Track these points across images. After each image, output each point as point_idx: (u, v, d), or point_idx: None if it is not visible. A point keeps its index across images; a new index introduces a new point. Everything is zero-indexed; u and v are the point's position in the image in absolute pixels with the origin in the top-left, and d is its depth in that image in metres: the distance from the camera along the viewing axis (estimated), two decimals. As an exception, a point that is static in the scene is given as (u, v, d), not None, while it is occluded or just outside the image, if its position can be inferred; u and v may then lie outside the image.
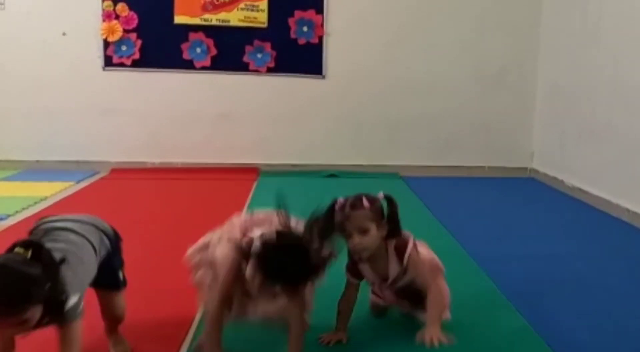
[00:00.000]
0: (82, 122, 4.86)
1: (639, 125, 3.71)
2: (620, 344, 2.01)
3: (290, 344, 1.68)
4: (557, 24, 4.83)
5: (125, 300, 1.78)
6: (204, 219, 3.44)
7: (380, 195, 1.80)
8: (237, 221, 1.82)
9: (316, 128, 5.08)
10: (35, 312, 1.26)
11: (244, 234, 1.72)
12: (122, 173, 4.74)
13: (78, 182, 4.44)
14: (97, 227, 1.63)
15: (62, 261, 1.34)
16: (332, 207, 1.76)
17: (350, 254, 1.81)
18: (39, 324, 1.34)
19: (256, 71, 4.87)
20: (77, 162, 4.94)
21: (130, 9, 4.66)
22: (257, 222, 1.77)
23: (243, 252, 1.62)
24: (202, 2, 4.66)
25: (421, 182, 4.70)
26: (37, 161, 4.87)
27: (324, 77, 4.96)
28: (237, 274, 1.64)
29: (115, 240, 1.66)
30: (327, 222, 1.71)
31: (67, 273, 1.35)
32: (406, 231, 1.84)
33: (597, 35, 4.23)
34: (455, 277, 2.23)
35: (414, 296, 1.86)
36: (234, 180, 4.63)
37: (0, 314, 1.24)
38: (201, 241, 1.86)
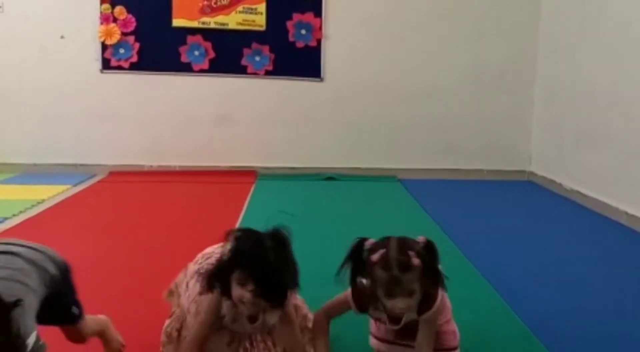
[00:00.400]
0: (79, 125, 4.87)
1: (637, 130, 3.72)
2: (619, 347, 2.00)
3: None
4: (555, 29, 4.85)
5: (91, 321, 1.63)
6: (202, 222, 3.66)
7: (421, 239, 1.56)
8: (192, 264, 1.73)
9: (314, 131, 5.07)
10: None
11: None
12: (120, 176, 4.73)
13: (75, 185, 4.44)
14: (47, 255, 1.42)
15: (16, 303, 1.14)
16: (356, 249, 1.54)
17: (367, 294, 1.57)
18: None
19: (254, 74, 4.87)
20: (75, 165, 4.93)
21: (129, 12, 4.65)
22: (209, 254, 1.69)
23: (210, 277, 1.48)
24: (200, 5, 4.64)
25: (419, 185, 4.70)
26: (35, 164, 4.86)
27: (322, 80, 4.96)
28: (215, 317, 1.51)
29: (65, 271, 1.45)
30: (356, 273, 1.52)
31: (19, 313, 1.16)
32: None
33: (596, 39, 4.24)
34: (453, 281, 2.14)
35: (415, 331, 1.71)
36: (232, 183, 4.63)
37: None
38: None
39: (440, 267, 1.56)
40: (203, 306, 1.51)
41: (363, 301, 1.59)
